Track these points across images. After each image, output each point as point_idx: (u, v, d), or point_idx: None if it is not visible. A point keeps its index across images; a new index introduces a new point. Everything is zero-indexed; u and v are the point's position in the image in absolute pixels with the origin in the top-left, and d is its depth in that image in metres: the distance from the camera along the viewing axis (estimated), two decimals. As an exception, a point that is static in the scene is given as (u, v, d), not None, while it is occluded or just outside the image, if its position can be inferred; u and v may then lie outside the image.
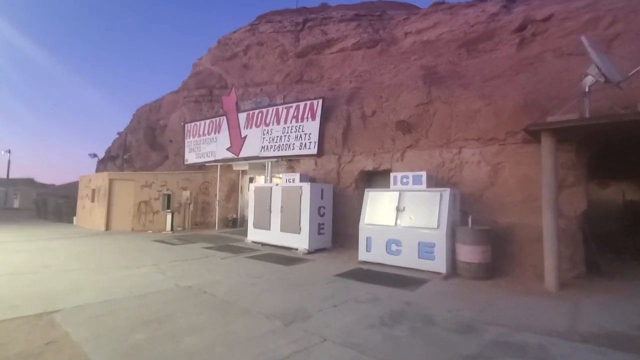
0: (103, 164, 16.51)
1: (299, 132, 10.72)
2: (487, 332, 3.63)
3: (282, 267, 6.86)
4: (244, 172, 14.08)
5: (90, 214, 15.19)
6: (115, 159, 17.50)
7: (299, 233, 8.56)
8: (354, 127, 9.93)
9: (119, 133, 25.64)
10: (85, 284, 5.33)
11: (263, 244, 9.44)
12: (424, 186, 6.87)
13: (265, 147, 11.59)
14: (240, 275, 6.02)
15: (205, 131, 14.08)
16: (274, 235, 9.18)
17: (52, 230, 13.76)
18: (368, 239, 7.13)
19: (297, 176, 9.40)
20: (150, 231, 13.12)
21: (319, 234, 8.71)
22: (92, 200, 14.98)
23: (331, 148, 10.19)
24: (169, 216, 12.95)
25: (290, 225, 8.80)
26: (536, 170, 6.39)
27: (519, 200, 6.51)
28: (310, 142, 10.42)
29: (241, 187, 14.22)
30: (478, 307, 4.48)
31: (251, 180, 14.22)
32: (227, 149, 12.93)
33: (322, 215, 8.81)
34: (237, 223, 13.70)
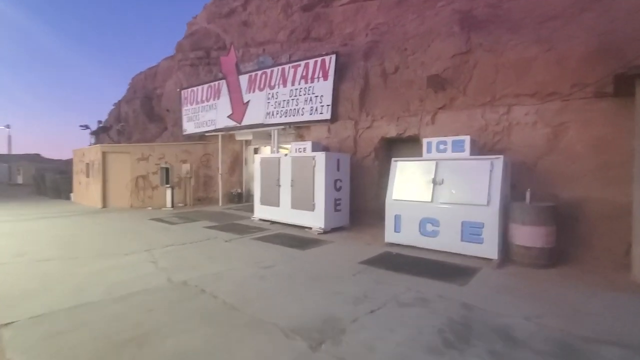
0: (98, 137, 15.38)
1: (308, 94, 9.36)
2: (603, 358, 2.55)
3: (296, 251, 5.82)
4: (247, 142, 12.85)
5: (86, 190, 14.25)
6: (109, 130, 16.28)
7: (313, 210, 7.47)
8: (373, 87, 8.55)
9: (115, 104, 24.31)
10: (57, 280, 4.32)
11: (272, 222, 8.40)
12: (466, 154, 5.63)
13: (271, 113, 10.28)
14: (248, 265, 4.98)
15: (204, 97, 12.72)
16: (284, 213, 8.11)
17: (46, 208, 12.87)
18: (397, 218, 6.01)
19: (308, 145, 8.17)
20: (150, 208, 12.17)
21: (335, 210, 7.61)
22: (87, 176, 13.98)
23: (347, 112, 8.86)
24: (168, 192, 11.93)
25: (302, 201, 7.69)
26: (613, 132, 5.09)
27: (590, 169, 5.27)
28: (322, 106, 9.08)
29: (245, 159, 13.05)
30: (561, 310, 3.40)
31: (256, 151, 13.01)
32: (229, 117, 11.63)
33: (338, 190, 7.67)
34: (242, 198, 12.66)
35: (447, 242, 5.42)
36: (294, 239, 6.80)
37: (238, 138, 12.11)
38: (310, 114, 9.29)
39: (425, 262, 5.12)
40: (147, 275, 4.48)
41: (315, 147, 8.22)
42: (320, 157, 7.35)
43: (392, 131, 8.07)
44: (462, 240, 5.27)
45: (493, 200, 5.03)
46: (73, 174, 16.31)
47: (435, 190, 5.61)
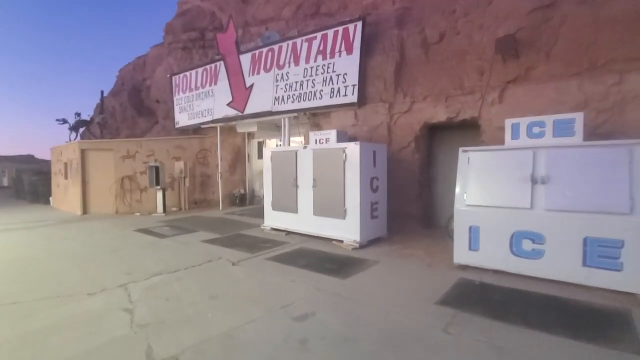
0: (77, 132, 13.51)
1: (328, 73, 7.61)
2: None
3: (335, 281, 4.12)
4: (251, 135, 11.08)
5: (65, 193, 12.43)
6: (89, 123, 14.42)
7: (344, 218, 5.77)
8: (411, 61, 6.83)
9: (100, 99, 22.38)
10: (-39, 357, 2.59)
11: (288, 232, 6.70)
12: (578, 138, 3.95)
13: (280, 99, 8.52)
14: (272, 313, 3.27)
15: (198, 83, 10.90)
16: (305, 221, 6.40)
17: (17, 215, 11.05)
18: (472, 230, 4.32)
19: (332, 134, 6.46)
20: (138, 213, 10.40)
21: (372, 217, 5.92)
22: (65, 177, 12.15)
23: (378, 93, 7.13)
24: (159, 194, 10.15)
25: (329, 206, 5.99)
26: None
27: None
28: (346, 87, 7.34)
29: (248, 155, 11.28)
30: None
31: (260, 145, 11.26)
32: (228, 105, 9.85)
33: (375, 191, 5.97)
34: (245, 200, 10.91)
35: (559, 266, 3.74)
36: (324, 258, 5.10)
37: (240, 130, 10.35)
38: (331, 97, 7.55)
39: (534, 299, 3.44)
40: (114, 343, 2.75)
41: (341, 137, 6.51)
42: (354, 149, 5.63)
43: (439, 114, 6.36)
44: (584, 264, 3.59)
45: (638, 206, 3.35)
46: (52, 174, 14.46)
47: (536, 192, 3.92)
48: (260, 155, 11.35)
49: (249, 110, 9.28)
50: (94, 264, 5.05)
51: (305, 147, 6.46)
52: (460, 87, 6.12)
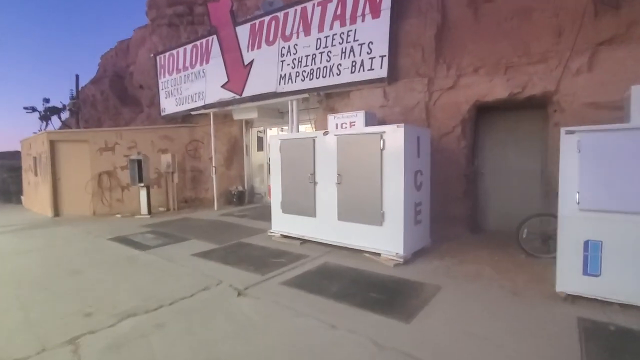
0: (48, 121, 11.90)
1: (348, 42, 6.17)
2: None
3: (394, 325, 2.77)
4: (249, 123, 9.63)
5: (35, 192, 10.83)
6: (61, 111, 12.74)
7: (380, 224, 4.41)
8: (456, 24, 5.43)
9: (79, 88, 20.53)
10: None
11: (303, 241, 5.31)
12: None
13: (286, 77, 7.07)
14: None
15: (187, 63, 9.36)
16: (326, 227, 5.02)
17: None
18: (589, 247, 2.99)
19: (358, 117, 5.06)
20: (119, 215, 8.91)
21: (415, 222, 4.57)
22: (35, 174, 10.56)
23: (413, 66, 5.73)
24: (143, 193, 8.65)
25: (360, 208, 4.62)
26: None
27: None
28: (371, 59, 5.92)
29: (246, 147, 9.82)
30: None
31: (261, 135, 9.82)
32: (223, 87, 8.35)
33: (419, 188, 4.61)
34: (243, 198, 9.48)
35: None
36: (363, 281, 3.75)
37: (237, 117, 8.87)
38: (352, 73, 6.13)
39: None
40: None
41: (370, 120, 5.13)
42: (395, 134, 4.24)
43: (497, 90, 5.00)
44: None
45: None
46: (22, 171, 12.80)
47: None
48: (260, 147, 9.91)
49: (248, 92, 7.80)
50: (44, 296, 3.61)
51: (326, 133, 5.04)
52: (526, 53, 4.76)
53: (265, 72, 7.39)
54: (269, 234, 5.79)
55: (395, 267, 4.16)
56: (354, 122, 5.12)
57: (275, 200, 5.70)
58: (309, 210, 5.20)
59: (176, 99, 9.73)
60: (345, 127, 5.15)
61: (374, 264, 4.29)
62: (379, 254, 4.43)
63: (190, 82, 9.25)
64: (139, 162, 8.58)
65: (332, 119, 5.38)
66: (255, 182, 9.88)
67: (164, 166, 9.30)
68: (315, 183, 5.11)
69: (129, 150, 9.50)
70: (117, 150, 9.51)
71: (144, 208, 8.69)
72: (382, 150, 4.33)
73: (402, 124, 4.22)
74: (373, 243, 4.52)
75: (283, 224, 5.64)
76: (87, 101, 19.36)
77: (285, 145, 5.51)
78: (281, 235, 5.63)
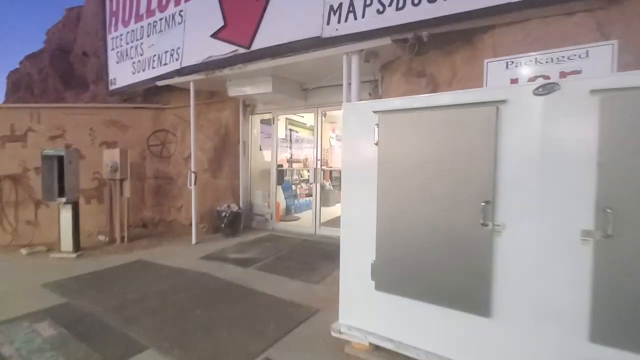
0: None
1: None
2: None
3: None
4: (249, 105, 6.25)
5: None
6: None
7: None
8: None
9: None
10: None
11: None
12: None
13: (343, 9, 3.78)
14: None
15: (154, 3, 5.82)
16: (529, 348, 1.73)
17: None
18: None
19: (596, 54, 1.85)
20: (24, 251, 5.19)
21: None
22: None
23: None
24: (65, 213, 4.98)
25: None
26: None
27: None
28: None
29: (244, 143, 6.39)
30: None
31: (264, 122, 6.50)
32: (216, 36, 4.91)
33: None
34: (238, 224, 5.96)
35: None
36: None
37: (234, 93, 5.44)
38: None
39: None
40: None
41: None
42: None
43: None
44: None
45: None
46: None
47: None
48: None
49: (262, 42, 4.42)
50: None
51: (546, 89, 1.77)
52: None
53: (298, 3, 4.08)
54: (337, 333, 2.42)
55: None
56: (580, 70, 1.93)
57: (353, 252, 2.38)
58: (470, 294, 1.93)
59: (134, 62, 6.13)
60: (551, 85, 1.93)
61: None
62: None
63: (157, 35, 5.71)
64: (60, 160, 4.92)
65: (496, 67, 2.14)
66: (257, 198, 6.43)
67: (108, 169, 5.64)
68: (495, 226, 1.85)
69: (51, 141, 5.84)
70: (32, 140, 5.84)
71: (66, 240, 5.00)
72: None
73: None
74: None
75: (376, 315, 2.31)
76: (21, 83, 15.03)
77: (394, 125, 2.19)
78: (371, 344, 2.30)
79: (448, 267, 2.02)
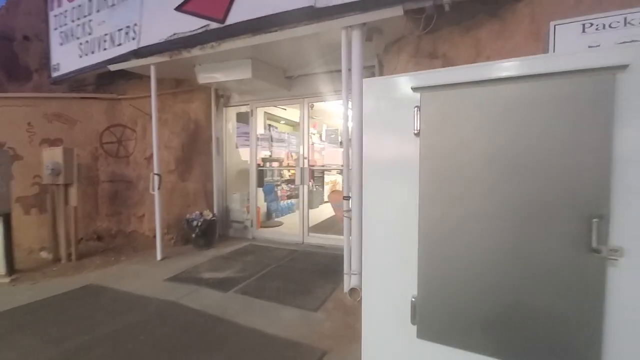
0: None
1: None
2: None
3: None
4: (223, 95, 5.42)
5: None
6: None
7: None
8: None
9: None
10: None
11: None
12: None
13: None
14: None
15: (104, -29, 4.84)
16: None
17: None
18: None
19: None
20: None
21: None
22: None
23: None
24: (-9, 230, 3.95)
25: None
26: None
27: None
28: None
29: (217, 139, 5.55)
30: None
31: (241, 117, 5.71)
32: (181, 9, 4.06)
33: None
34: (213, 233, 5.10)
35: None
36: None
37: (204, 80, 4.60)
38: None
39: None
40: None
41: None
42: None
43: None
44: None
45: None
46: None
47: None
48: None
49: (238, 15, 3.63)
50: None
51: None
52: None
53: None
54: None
55: None
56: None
57: (380, 282, 1.70)
58: (566, 352, 1.30)
59: (81, 44, 5.11)
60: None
61: None
62: None
63: (109, 10, 4.74)
64: (-19, 162, 3.89)
65: (567, 32, 1.55)
66: (234, 202, 5.61)
67: (49, 172, 4.61)
68: (610, 252, 1.24)
69: (-28, 138, 4.72)
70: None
71: (-6, 262, 3.98)
72: None
73: None
74: None
75: (414, 372, 1.64)
76: (-46, 74, 13.11)
77: (446, 106, 1.53)
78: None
79: (532, 312, 1.40)
